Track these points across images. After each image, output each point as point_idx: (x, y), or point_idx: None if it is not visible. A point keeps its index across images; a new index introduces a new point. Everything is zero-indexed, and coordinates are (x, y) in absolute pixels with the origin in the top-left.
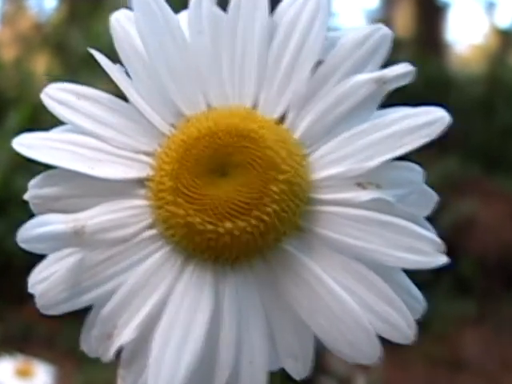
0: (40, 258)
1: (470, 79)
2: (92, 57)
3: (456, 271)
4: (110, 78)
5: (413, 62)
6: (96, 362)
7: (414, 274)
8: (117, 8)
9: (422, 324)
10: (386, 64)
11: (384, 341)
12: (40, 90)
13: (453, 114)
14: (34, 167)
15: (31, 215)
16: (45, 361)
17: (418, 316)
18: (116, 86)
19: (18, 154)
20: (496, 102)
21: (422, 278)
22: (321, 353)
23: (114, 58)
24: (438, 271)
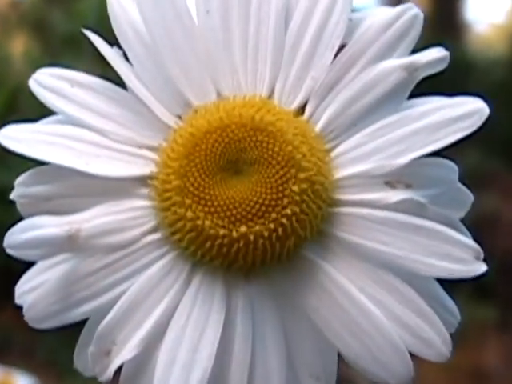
0: (22, 262)
1: (492, 61)
2: (74, 38)
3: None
4: (94, 61)
5: (429, 44)
6: (77, 373)
7: None
8: None
9: None
10: None
11: None
12: (17, 73)
13: None
14: (10, 159)
15: (19, 217)
16: (24, 372)
17: (452, 330)
18: (102, 71)
19: None
20: None
21: (438, 282)
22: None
23: (104, 40)
24: None
